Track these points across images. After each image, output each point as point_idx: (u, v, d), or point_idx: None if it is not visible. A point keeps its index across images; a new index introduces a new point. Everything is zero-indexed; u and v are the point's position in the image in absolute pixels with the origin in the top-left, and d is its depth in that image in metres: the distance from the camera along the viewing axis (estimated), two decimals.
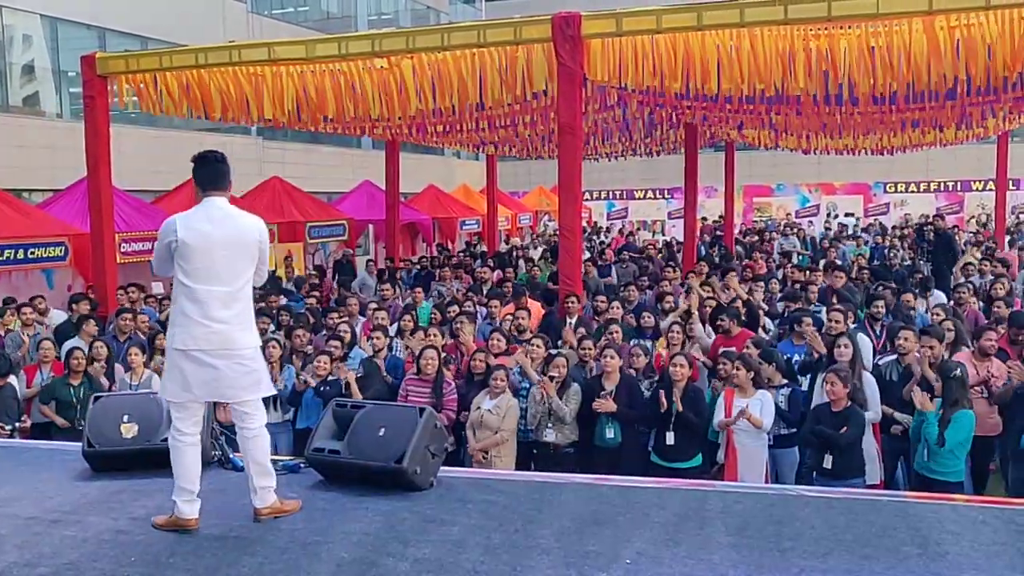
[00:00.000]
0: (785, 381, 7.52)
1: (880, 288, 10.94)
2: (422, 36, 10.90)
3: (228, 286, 4.59)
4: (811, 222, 29.12)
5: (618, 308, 9.82)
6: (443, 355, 8.21)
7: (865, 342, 8.34)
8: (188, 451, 4.67)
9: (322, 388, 8.11)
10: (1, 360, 7.50)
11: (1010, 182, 21.94)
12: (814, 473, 6.74)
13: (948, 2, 8.82)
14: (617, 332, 8.61)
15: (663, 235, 31.75)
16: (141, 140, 21.04)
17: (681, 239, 24.40)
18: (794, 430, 7.41)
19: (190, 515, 4.63)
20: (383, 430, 5.25)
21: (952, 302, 10.40)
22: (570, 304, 10.13)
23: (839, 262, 14.88)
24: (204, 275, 4.57)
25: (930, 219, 18.90)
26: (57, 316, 10.88)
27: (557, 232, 27.94)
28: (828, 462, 6.53)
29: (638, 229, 31.81)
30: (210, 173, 4.73)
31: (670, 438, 7.18)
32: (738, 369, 7.02)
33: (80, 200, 14.72)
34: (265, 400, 8.20)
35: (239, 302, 4.63)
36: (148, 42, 21.68)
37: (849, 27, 9.42)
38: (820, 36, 9.55)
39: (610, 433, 7.28)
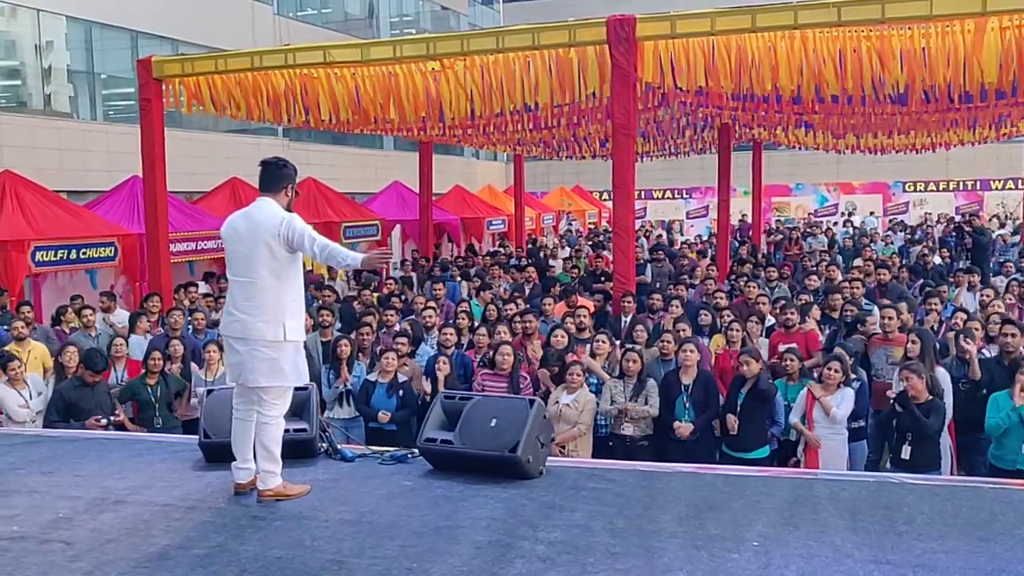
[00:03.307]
0: (854, 376, 7.68)
1: (924, 287, 11.15)
2: (476, 39, 11.11)
3: (247, 277, 5.00)
4: (836, 222, 29.28)
5: (677, 306, 9.97)
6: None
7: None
8: (236, 424, 5.15)
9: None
10: (99, 358, 7.71)
11: None
12: (888, 465, 6.93)
13: (1002, 3, 8.98)
14: (685, 329, 8.77)
15: (681, 235, 31.92)
16: (171, 142, 21.23)
17: (705, 238, 24.72)
18: (862, 423, 7.61)
19: (236, 479, 5.15)
20: (494, 421, 5.43)
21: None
22: (626, 303, 10.34)
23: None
24: (232, 266, 5.13)
25: (967, 218, 19.06)
26: (121, 316, 11.05)
27: (579, 233, 28.34)
28: (906, 453, 6.69)
29: (659, 233, 31.91)
30: (262, 176, 5.18)
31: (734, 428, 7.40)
32: (835, 371, 7.21)
33: (126, 201, 14.94)
34: (340, 396, 8.55)
35: (261, 292, 4.96)
36: (179, 45, 21.90)
37: (901, 28, 9.59)
38: (871, 37, 9.72)
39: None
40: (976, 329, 7.86)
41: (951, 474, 7.07)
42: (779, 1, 9.87)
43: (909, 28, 9.53)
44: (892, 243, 20.54)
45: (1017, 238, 21.12)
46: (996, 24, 9.15)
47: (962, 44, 9.27)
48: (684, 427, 7.42)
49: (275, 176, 5.12)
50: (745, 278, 12.66)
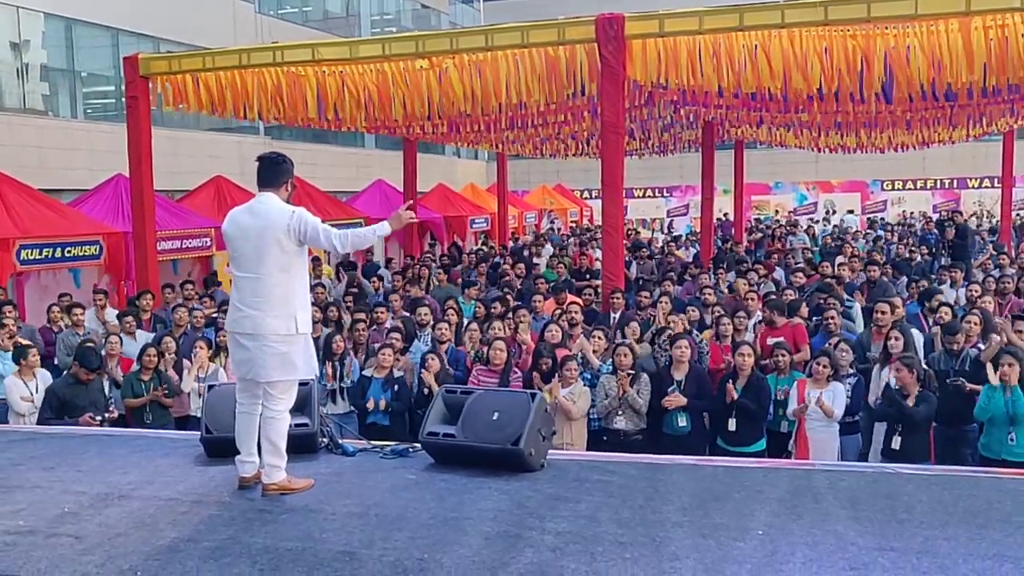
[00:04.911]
0: (852, 370, 7.78)
1: (910, 283, 11.29)
2: (465, 37, 11.13)
3: (255, 273, 4.98)
4: (817, 220, 29.59)
5: (667, 302, 10.05)
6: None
7: (917, 335, 8.59)
8: (240, 418, 5.16)
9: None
10: (93, 356, 7.69)
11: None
12: (879, 456, 7.04)
13: (985, 3, 9.12)
14: (677, 324, 8.86)
15: (663, 233, 32.14)
16: (153, 140, 21.09)
17: (684, 237, 24.86)
18: (856, 418, 7.71)
19: (241, 473, 5.17)
20: (496, 414, 5.47)
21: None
22: (615, 299, 10.40)
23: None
24: (238, 263, 5.06)
25: (950, 215, 19.26)
26: (111, 315, 11.00)
27: (560, 231, 28.44)
28: (896, 443, 6.81)
29: (638, 232, 32.08)
30: (262, 172, 5.17)
31: (731, 424, 7.49)
32: (823, 366, 7.30)
33: (110, 199, 14.85)
34: (332, 392, 8.56)
35: (270, 288, 4.95)
36: (161, 43, 21.79)
37: (886, 27, 9.71)
38: (857, 36, 9.84)
39: (682, 421, 7.54)
40: (975, 324, 7.98)
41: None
42: (766, 0, 9.97)
43: (895, 27, 9.67)
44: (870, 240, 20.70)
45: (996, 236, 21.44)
46: (980, 24, 9.29)
47: (946, 43, 9.40)
48: (675, 399, 7.48)
49: (274, 171, 5.13)
50: (735, 273, 12.79)
